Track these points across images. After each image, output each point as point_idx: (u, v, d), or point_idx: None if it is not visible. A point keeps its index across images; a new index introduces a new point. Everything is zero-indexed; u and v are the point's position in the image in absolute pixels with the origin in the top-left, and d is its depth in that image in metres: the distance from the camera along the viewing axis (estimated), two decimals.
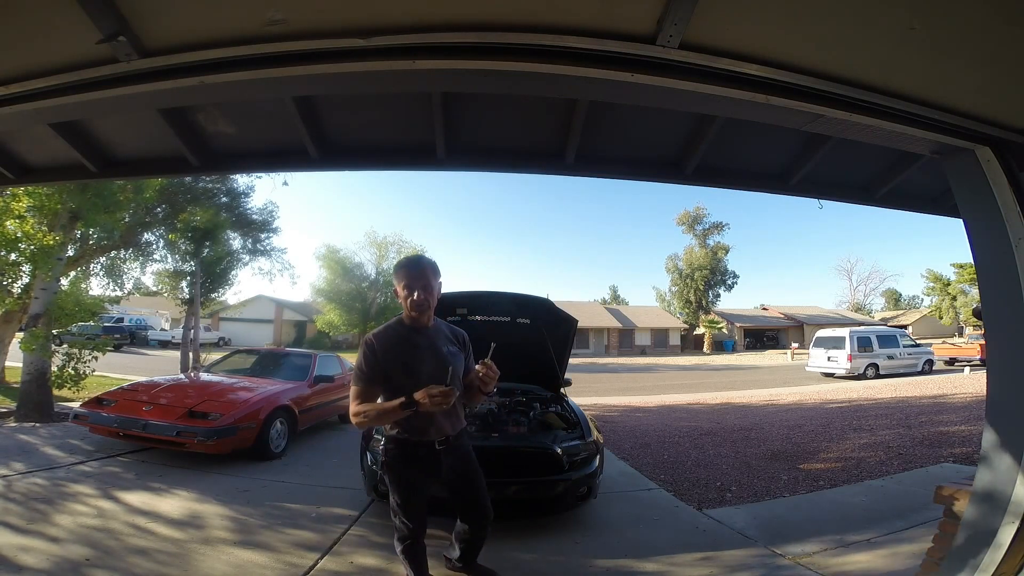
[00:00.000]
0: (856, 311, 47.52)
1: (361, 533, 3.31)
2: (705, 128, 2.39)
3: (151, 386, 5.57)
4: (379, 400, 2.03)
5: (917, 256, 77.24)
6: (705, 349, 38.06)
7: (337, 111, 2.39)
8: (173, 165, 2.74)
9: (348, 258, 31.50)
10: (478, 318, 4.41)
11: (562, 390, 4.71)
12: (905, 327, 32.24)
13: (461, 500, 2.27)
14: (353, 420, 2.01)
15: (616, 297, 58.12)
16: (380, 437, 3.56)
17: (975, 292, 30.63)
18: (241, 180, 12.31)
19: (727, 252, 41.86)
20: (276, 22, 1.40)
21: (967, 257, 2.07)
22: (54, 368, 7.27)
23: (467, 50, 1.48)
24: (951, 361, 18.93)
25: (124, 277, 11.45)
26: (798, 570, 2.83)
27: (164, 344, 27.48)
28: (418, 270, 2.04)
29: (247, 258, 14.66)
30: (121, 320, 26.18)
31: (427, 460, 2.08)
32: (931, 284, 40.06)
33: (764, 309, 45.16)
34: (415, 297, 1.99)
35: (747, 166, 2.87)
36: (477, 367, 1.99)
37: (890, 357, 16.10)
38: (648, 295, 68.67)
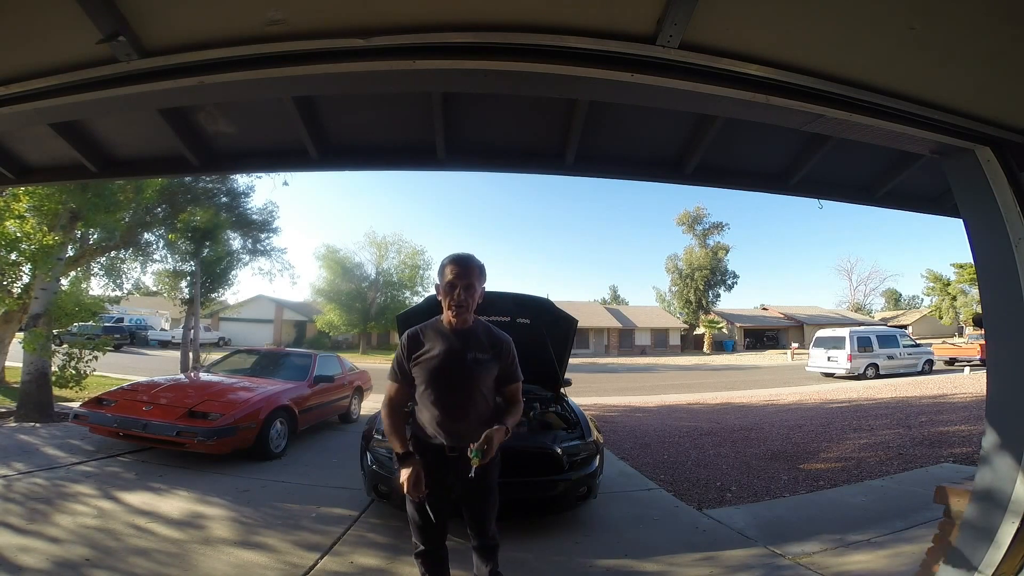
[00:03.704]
0: (856, 311, 47.46)
1: (361, 533, 3.31)
2: (705, 128, 2.39)
3: (151, 386, 5.57)
4: (418, 392, 1.98)
5: (917, 256, 77.23)
6: (705, 349, 38.05)
7: (337, 111, 2.39)
8: (173, 165, 2.74)
9: (348, 258, 31.63)
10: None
11: (562, 390, 4.71)
12: (905, 327, 32.20)
13: (468, 518, 2.07)
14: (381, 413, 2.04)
15: (616, 297, 58.09)
16: (380, 438, 3.58)
17: (975, 292, 30.61)
18: (241, 180, 12.30)
19: (727, 252, 41.79)
20: (276, 22, 1.40)
21: (967, 257, 2.07)
22: (54, 368, 7.27)
23: (467, 50, 1.48)
24: (951, 361, 18.94)
25: (124, 277, 11.46)
26: (798, 570, 2.83)
27: (164, 344, 27.48)
28: (464, 268, 1.92)
29: (247, 258, 14.68)
30: (121, 320, 26.18)
31: (436, 465, 1.95)
32: (931, 284, 40.09)
33: (764, 309, 45.15)
34: (455, 296, 1.90)
35: (747, 166, 2.87)
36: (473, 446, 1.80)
37: (890, 357, 16.11)
38: (648, 295, 68.65)
